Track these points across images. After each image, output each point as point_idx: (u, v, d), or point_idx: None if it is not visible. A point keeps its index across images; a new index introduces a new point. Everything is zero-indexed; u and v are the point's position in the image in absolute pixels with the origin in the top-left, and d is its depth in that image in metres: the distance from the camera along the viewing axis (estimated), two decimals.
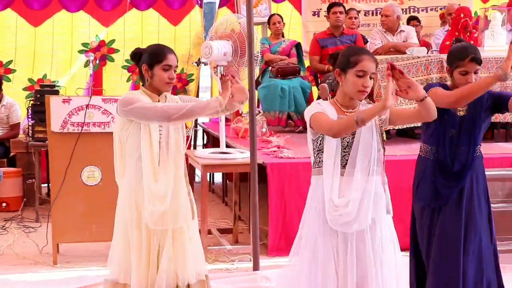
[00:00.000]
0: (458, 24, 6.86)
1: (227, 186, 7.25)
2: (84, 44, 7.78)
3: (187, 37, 8.02)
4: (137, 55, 3.41)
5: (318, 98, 7.16)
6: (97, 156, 5.03)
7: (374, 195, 3.06)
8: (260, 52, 6.27)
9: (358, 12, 8.02)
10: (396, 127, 6.24)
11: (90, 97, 5.02)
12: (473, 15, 7.42)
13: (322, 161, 3.09)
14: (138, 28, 7.92)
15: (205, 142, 8.27)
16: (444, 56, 6.22)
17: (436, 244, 3.57)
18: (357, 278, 3.05)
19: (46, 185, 6.91)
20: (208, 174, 6.59)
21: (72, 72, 7.74)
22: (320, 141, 3.10)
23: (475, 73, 3.51)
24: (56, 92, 6.29)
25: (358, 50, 3.14)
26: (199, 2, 8.10)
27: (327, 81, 6.68)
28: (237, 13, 7.63)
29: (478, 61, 3.48)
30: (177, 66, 3.40)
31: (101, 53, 7.82)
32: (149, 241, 3.35)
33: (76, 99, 5.09)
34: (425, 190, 3.61)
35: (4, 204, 6.65)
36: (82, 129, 4.98)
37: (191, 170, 5.63)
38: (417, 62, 6.20)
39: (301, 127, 7.10)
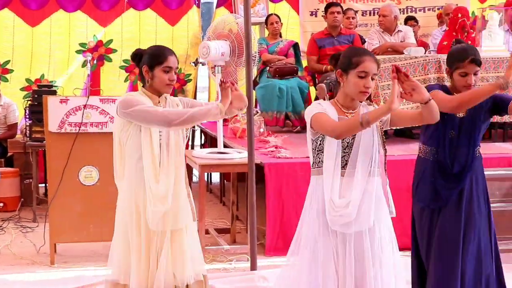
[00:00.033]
0: (456, 24, 6.87)
1: (224, 186, 7.25)
2: (82, 44, 7.77)
3: (185, 37, 8.02)
4: (137, 56, 3.41)
5: (316, 98, 7.19)
6: (94, 156, 5.03)
7: (374, 196, 3.07)
8: (258, 52, 6.28)
9: (356, 12, 8.02)
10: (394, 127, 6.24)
11: (88, 97, 5.02)
12: (470, 15, 7.43)
13: (321, 161, 3.09)
14: (136, 28, 7.92)
15: (202, 142, 8.28)
16: (442, 56, 6.27)
17: (436, 245, 3.57)
18: (356, 278, 3.05)
19: (43, 185, 6.90)
20: (205, 174, 6.60)
21: (70, 72, 7.74)
22: (320, 141, 3.10)
23: (475, 74, 3.51)
24: (54, 92, 6.29)
25: (360, 51, 3.15)
26: (197, 2, 8.11)
27: (325, 81, 6.71)
28: (235, 13, 7.63)
29: (477, 62, 3.49)
30: (177, 68, 3.41)
31: (99, 53, 7.82)
32: (148, 242, 3.35)
33: (73, 99, 5.09)
34: (424, 191, 3.61)
35: (1, 204, 6.64)
36: (79, 129, 4.97)
37: (188, 170, 5.62)
38: (415, 62, 6.21)
39: (298, 127, 7.11)
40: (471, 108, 3.54)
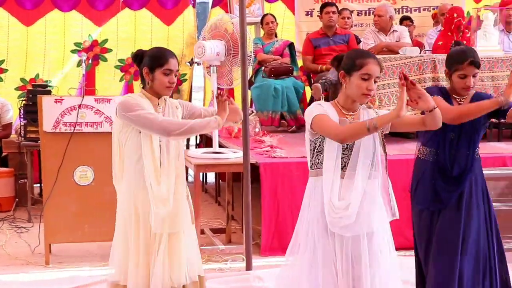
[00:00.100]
0: (451, 24, 6.87)
1: (220, 186, 7.25)
2: (77, 44, 7.76)
3: (180, 37, 8.01)
4: (138, 57, 3.40)
5: (311, 98, 7.19)
6: (89, 156, 5.02)
7: (373, 198, 3.07)
8: (253, 52, 6.27)
9: (351, 12, 8.03)
10: None
11: (83, 97, 5.01)
12: (465, 15, 7.44)
13: (320, 162, 3.08)
14: (131, 28, 7.91)
15: (198, 142, 8.27)
16: (437, 56, 6.28)
17: (435, 246, 3.57)
18: (354, 280, 3.06)
19: (38, 185, 6.88)
20: (201, 174, 6.59)
21: (65, 71, 7.72)
22: (320, 142, 3.09)
23: (474, 76, 3.52)
24: (48, 92, 6.27)
25: (364, 53, 3.15)
26: (192, 2, 8.10)
27: (320, 81, 6.72)
28: (230, 13, 7.63)
29: (476, 64, 3.50)
30: (178, 71, 3.41)
31: (94, 53, 7.81)
32: (147, 244, 3.35)
33: (68, 99, 5.07)
34: (424, 192, 3.61)
35: None
36: (74, 129, 4.96)
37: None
38: (410, 62, 6.22)
39: (294, 127, 7.11)
40: None
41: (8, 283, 4.74)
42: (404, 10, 8.61)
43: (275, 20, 7.62)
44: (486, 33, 6.67)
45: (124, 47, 7.84)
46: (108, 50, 7.84)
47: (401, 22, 8.18)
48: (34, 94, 6.12)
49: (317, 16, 7.71)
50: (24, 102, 6.37)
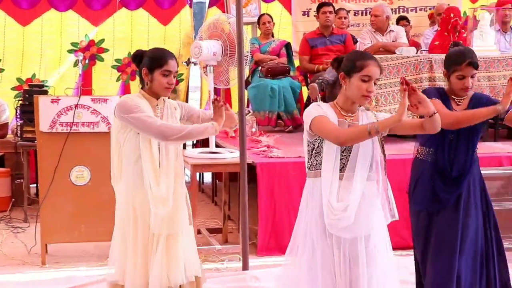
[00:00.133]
0: (448, 24, 6.88)
1: (216, 186, 7.25)
2: (74, 44, 7.75)
3: (177, 37, 8.02)
4: (138, 57, 3.41)
5: (308, 98, 7.19)
6: (86, 156, 5.02)
7: (372, 200, 3.08)
8: (250, 52, 6.28)
9: (348, 12, 8.03)
10: None
11: (79, 97, 5.01)
12: (462, 15, 7.46)
13: (319, 163, 3.08)
14: (128, 28, 7.90)
15: (194, 141, 8.27)
16: (433, 56, 6.29)
17: (433, 246, 3.58)
18: (352, 281, 3.06)
19: (34, 185, 6.87)
20: (197, 174, 6.59)
21: (61, 71, 7.72)
22: (319, 143, 3.09)
23: (472, 77, 3.53)
24: (45, 92, 6.26)
25: (364, 55, 3.15)
26: (189, 1, 8.10)
27: (317, 81, 6.71)
28: (227, 13, 7.64)
29: (475, 65, 3.50)
30: (177, 72, 3.41)
31: (91, 53, 7.80)
32: (145, 244, 3.35)
33: (65, 99, 5.07)
34: (422, 193, 3.62)
35: None
36: (71, 129, 4.96)
37: None
38: (407, 62, 6.22)
39: (290, 127, 7.11)
40: None
41: (4, 283, 4.73)
42: (401, 10, 8.62)
43: (272, 20, 7.62)
44: (483, 33, 6.68)
45: (121, 47, 7.84)
46: (105, 50, 7.84)
47: (397, 22, 8.19)
48: (30, 94, 6.11)
49: (314, 16, 7.71)
50: (20, 102, 6.37)
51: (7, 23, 7.57)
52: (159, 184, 3.30)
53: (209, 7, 8.36)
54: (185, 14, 8.05)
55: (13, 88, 7.60)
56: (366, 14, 8.41)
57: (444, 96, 3.58)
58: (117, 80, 7.91)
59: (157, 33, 7.94)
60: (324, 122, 3.02)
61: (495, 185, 5.27)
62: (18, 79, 7.61)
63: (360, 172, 3.04)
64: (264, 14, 7.78)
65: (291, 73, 7.42)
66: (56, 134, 4.97)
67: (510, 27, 7.60)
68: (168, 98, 3.47)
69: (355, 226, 3.03)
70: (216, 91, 6.86)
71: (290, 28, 8.46)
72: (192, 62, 5.80)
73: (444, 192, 3.56)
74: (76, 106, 4.96)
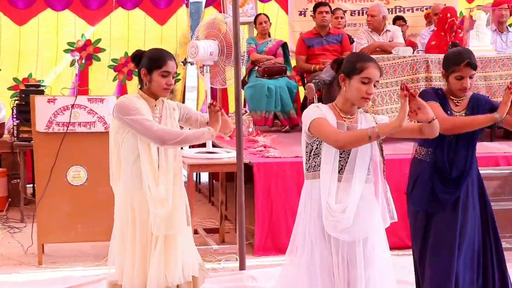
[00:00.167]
0: (445, 24, 6.88)
1: (213, 185, 7.25)
2: (70, 43, 7.74)
3: (174, 37, 8.00)
4: (137, 57, 3.41)
5: (305, 97, 7.20)
6: (82, 156, 5.02)
7: (370, 202, 3.08)
8: (247, 52, 6.27)
9: (344, 12, 8.04)
10: None
11: (76, 97, 5.00)
12: (458, 15, 7.47)
13: (317, 165, 3.08)
14: (125, 28, 7.89)
15: None
16: (430, 56, 6.30)
17: (432, 246, 3.58)
18: (349, 282, 3.07)
19: (31, 185, 6.86)
20: (194, 173, 6.58)
21: (58, 71, 7.69)
22: (317, 145, 3.09)
23: (471, 77, 3.53)
24: (41, 92, 6.25)
25: (365, 57, 3.16)
26: (186, 1, 8.09)
27: (314, 80, 6.71)
28: (223, 12, 7.63)
29: (473, 66, 3.51)
30: (175, 72, 3.41)
31: (87, 53, 7.79)
32: (144, 244, 3.35)
33: (61, 99, 5.06)
34: (421, 193, 3.62)
35: None
36: (67, 129, 4.95)
37: None
38: (403, 61, 6.23)
39: (287, 127, 7.11)
40: (470, 112, 3.58)
41: (0, 284, 4.73)
42: (397, 10, 8.63)
43: (269, 20, 7.62)
44: (479, 33, 6.69)
45: (118, 47, 7.83)
46: (102, 50, 7.83)
47: (394, 22, 8.19)
48: (27, 94, 6.10)
49: (311, 16, 7.72)
50: (17, 102, 6.35)
51: (3, 23, 7.55)
52: (158, 185, 3.31)
53: (205, 7, 8.35)
54: (182, 14, 8.05)
55: (10, 88, 7.58)
56: (362, 14, 8.41)
57: (442, 97, 3.59)
58: (114, 80, 7.90)
59: (154, 33, 7.92)
60: (324, 124, 3.02)
61: (492, 185, 5.28)
62: (15, 79, 7.59)
63: (359, 174, 3.05)
64: (260, 14, 7.77)
65: (288, 73, 7.42)
66: (53, 134, 4.96)
67: (507, 27, 7.61)
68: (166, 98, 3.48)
69: (354, 229, 3.03)
70: (213, 91, 6.87)
71: (286, 28, 8.45)
72: (189, 62, 5.79)
73: (443, 193, 3.57)
74: (72, 106, 4.95)
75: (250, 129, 6.64)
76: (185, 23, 8.07)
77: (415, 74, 6.21)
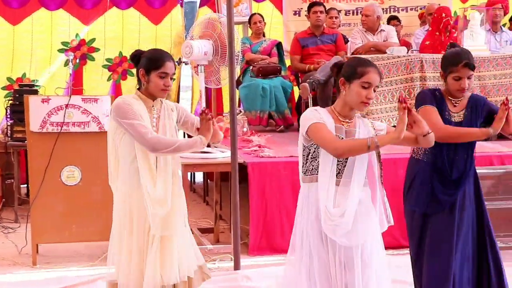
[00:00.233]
0: (440, 24, 6.89)
1: (208, 185, 7.25)
2: (64, 43, 7.72)
3: (168, 36, 7.99)
4: (136, 57, 3.42)
5: (299, 97, 7.20)
6: (76, 156, 5.01)
7: (368, 207, 3.09)
8: (241, 52, 6.28)
9: (339, 11, 8.05)
10: None
11: (70, 97, 4.99)
12: (452, 15, 7.48)
13: (315, 168, 3.08)
14: (119, 27, 7.87)
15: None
16: (424, 56, 6.31)
17: (430, 246, 3.59)
18: (347, 284, 3.08)
19: (25, 185, 6.85)
20: (189, 173, 6.58)
21: (52, 71, 7.67)
22: (315, 148, 3.08)
23: (469, 78, 3.54)
24: (35, 92, 6.24)
25: (365, 61, 3.16)
26: (180, 1, 8.08)
27: (308, 80, 6.71)
28: (218, 12, 7.63)
29: (471, 66, 3.52)
30: (174, 73, 3.41)
31: (81, 52, 7.77)
32: (141, 243, 3.35)
33: (55, 98, 5.05)
34: (419, 193, 3.62)
35: None
36: (61, 129, 4.94)
37: None
38: (397, 61, 6.24)
39: (282, 127, 7.11)
40: (469, 112, 3.59)
41: None
42: (392, 9, 8.64)
43: (263, 20, 7.62)
44: (473, 33, 6.70)
45: (112, 47, 7.81)
46: (96, 50, 7.81)
47: (388, 22, 8.20)
48: (20, 93, 6.09)
49: (305, 15, 7.72)
50: (10, 101, 6.34)
51: None
52: (156, 185, 3.32)
53: (200, 6, 8.34)
54: (176, 14, 8.04)
55: (4, 88, 7.56)
56: (357, 14, 8.43)
57: (440, 98, 3.59)
58: (108, 79, 7.88)
59: (148, 32, 7.91)
60: (322, 130, 3.02)
61: (486, 184, 5.28)
62: (9, 79, 7.57)
63: (357, 178, 3.05)
64: (255, 13, 7.77)
65: (282, 73, 7.43)
66: (47, 134, 4.95)
67: (500, 27, 7.63)
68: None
69: (353, 234, 3.04)
70: (207, 90, 6.86)
71: (281, 28, 8.46)
72: (183, 62, 5.79)
73: (443, 194, 3.57)
74: (66, 106, 4.94)
75: (245, 129, 6.64)
76: (180, 22, 8.06)
77: (410, 73, 6.22)
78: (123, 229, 3.37)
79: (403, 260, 4.64)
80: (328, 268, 3.07)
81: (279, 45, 7.59)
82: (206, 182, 7.32)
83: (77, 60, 7.62)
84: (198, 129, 3.45)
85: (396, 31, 7.85)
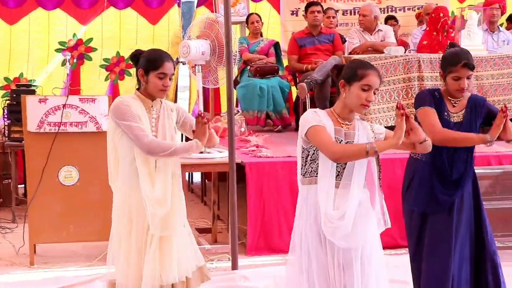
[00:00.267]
0: (437, 24, 6.89)
1: (206, 185, 7.24)
2: (61, 43, 7.71)
3: (166, 36, 7.99)
4: (135, 57, 3.42)
5: (297, 97, 7.20)
6: (74, 156, 5.00)
7: (367, 209, 3.09)
8: (239, 52, 6.27)
9: (336, 11, 8.05)
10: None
11: (67, 97, 4.99)
12: (450, 14, 7.49)
13: (314, 170, 3.08)
14: (116, 27, 7.87)
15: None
16: (422, 56, 6.31)
17: (429, 245, 3.59)
18: (345, 285, 3.09)
19: (22, 185, 6.83)
20: (187, 173, 6.58)
21: (49, 71, 7.67)
22: (314, 150, 3.08)
23: (468, 78, 3.54)
24: (33, 92, 6.23)
25: (366, 64, 3.17)
26: (178, 1, 8.08)
27: (306, 80, 6.71)
28: (215, 12, 7.62)
29: (470, 66, 3.52)
30: (173, 74, 3.41)
31: (79, 52, 7.76)
32: (139, 243, 3.35)
33: (52, 98, 5.05)
34: (418, 193, 3.62)
35: None
36: (59, 129, 4.93)
37: None
38: (395, 61, 6.25)
39: (279, 127, 7.12)
40: (468, 112, 3.59)
41: None
42: (389, 9, 8.65)
43: (260, 20, 7.62)
44: (470, 33, 6.71)
45: (109, 46, 7.81)
46: (93, 49, 7.80)
47: (386, 22, 8.21)
48: (18, 93, 6.07)
49: (302, 15, 7.72)
50: (8, 101, 6.33)
51: None
52: (154, 185, 3.32)
53: (197, 6, 8.34)
54: (174, 14, 8.03)
55: (1, 88, 7.54)
56: (354, 14, 8.43)
57: (439, 98, 3.59)
58: (106, 79, 7.88)
59: (146, 32, 7.91)
60: (322, 133, 3.02)
61: (483, 184, 5.28)
62: (6, 79, 7.56)
63: (357, 180, 3.05)
64: (252, 13, 7.77)
65: (280, 73, 7.43)
66: (44, 134, 4.95)
67: (498, 26, 7.64)
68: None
69: (353, 236, 3.04)
70: (205, 90, 6.86)
71: (278, 28, 8.46)
72: (181, 62, 5.77)
73: (443, 194, 3.57)
74: (64, 106, 4.94)
75: (242, 129, 6.64)
76: (177, 22, 8.06)
77: (407, 73, 6.23)
78: (123, 229, 3.37)
79: (401, 260, 4.65)
80: (326, 269, 3.08)
81: (276, 45, 7.60)
82: (204, 182, 7.31)
83: (75, 60, 7.61)
84: (193, 131, 3.45)
85: (394, 31, 7.86)
